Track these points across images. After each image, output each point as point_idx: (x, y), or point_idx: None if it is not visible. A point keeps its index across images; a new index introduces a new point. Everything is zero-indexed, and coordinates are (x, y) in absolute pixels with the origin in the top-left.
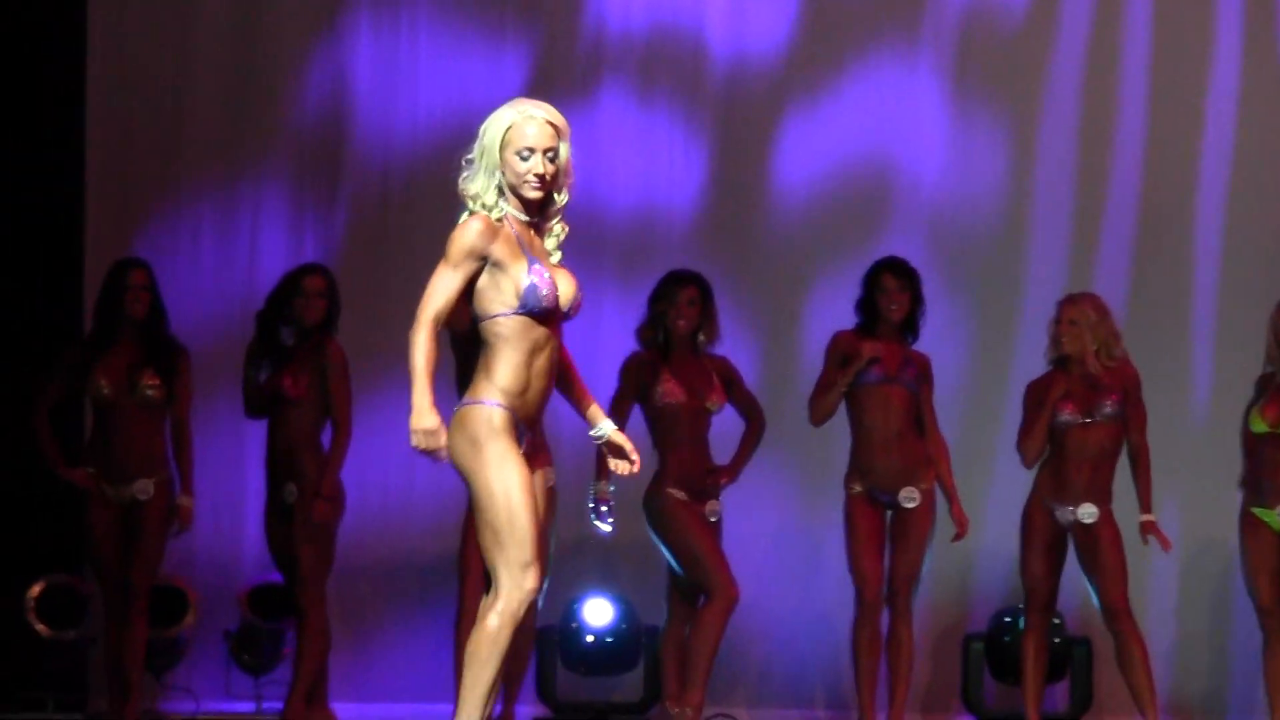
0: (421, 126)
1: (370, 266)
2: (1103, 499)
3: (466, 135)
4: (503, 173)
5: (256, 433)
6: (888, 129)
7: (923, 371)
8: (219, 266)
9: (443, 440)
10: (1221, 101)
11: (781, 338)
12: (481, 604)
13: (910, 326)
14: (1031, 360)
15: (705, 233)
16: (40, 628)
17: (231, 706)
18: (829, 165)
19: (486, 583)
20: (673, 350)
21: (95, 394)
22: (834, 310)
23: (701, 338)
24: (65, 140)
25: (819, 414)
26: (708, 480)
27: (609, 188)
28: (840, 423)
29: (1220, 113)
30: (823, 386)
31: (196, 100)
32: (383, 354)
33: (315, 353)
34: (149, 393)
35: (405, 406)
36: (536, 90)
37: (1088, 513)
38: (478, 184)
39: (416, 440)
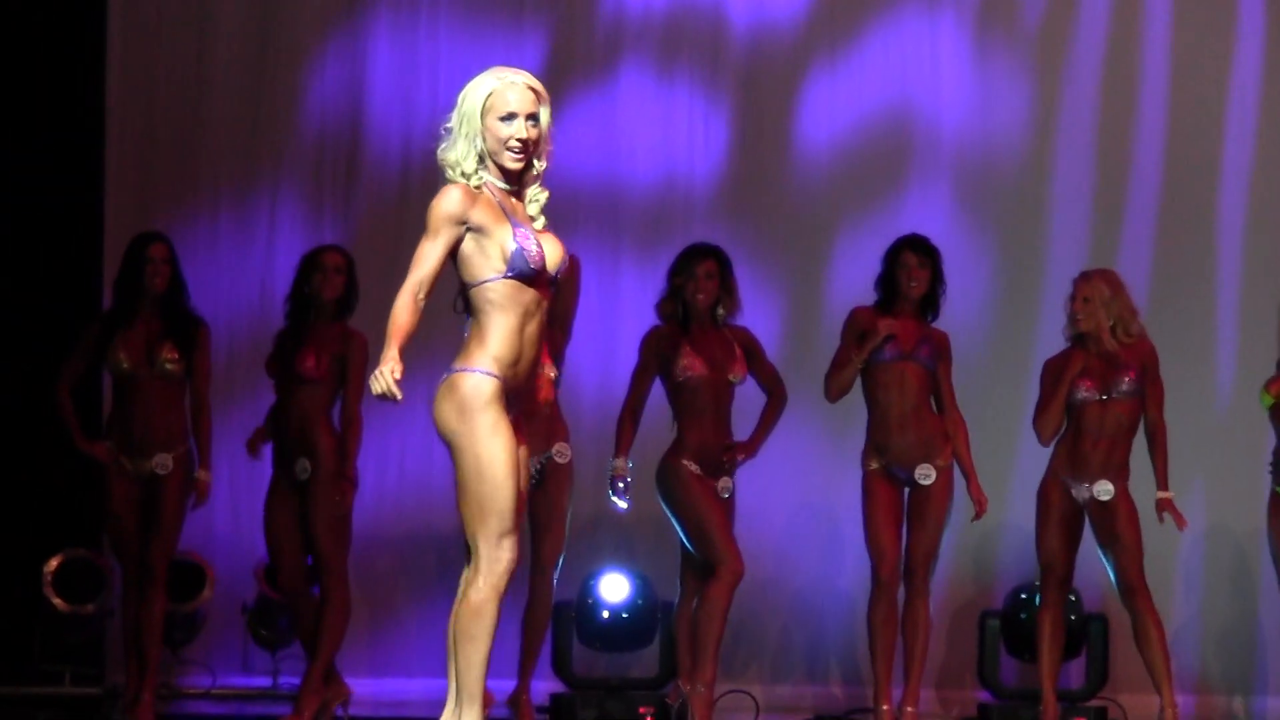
0: (440, 116)
1: (388, 257)
2: (1119, 476)
3: None
4: (483, 139)
5: None
6: (910, 84)
7: (940, 349)
8: (237, 250)
9: (397, 376)
10: (1247, 64)
11: (805, 302)
12: (462, 577)
13: (930, 304)
14: (1053, 334)
15: (727, 200)
16: (58, 602)
17: (248, 681)
18: (852, 123)
19: (467, 554)
20: (692, 324)
21: (115, 368)
22: (857, 272)
23: (720, 311)
24: (86, 123)
25: (834, 390)
26: (724, 456)
27: (631, 161)
28: (860, 397)
29: (1245, 75)
30: (838, 363)
31: (216, 89)
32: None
33: (340, 339)
34: (168, 366)
35: (423, 392)
36: (556, 72)
37: (1104, 490)
38: (456, 151)
39: (373, 383)
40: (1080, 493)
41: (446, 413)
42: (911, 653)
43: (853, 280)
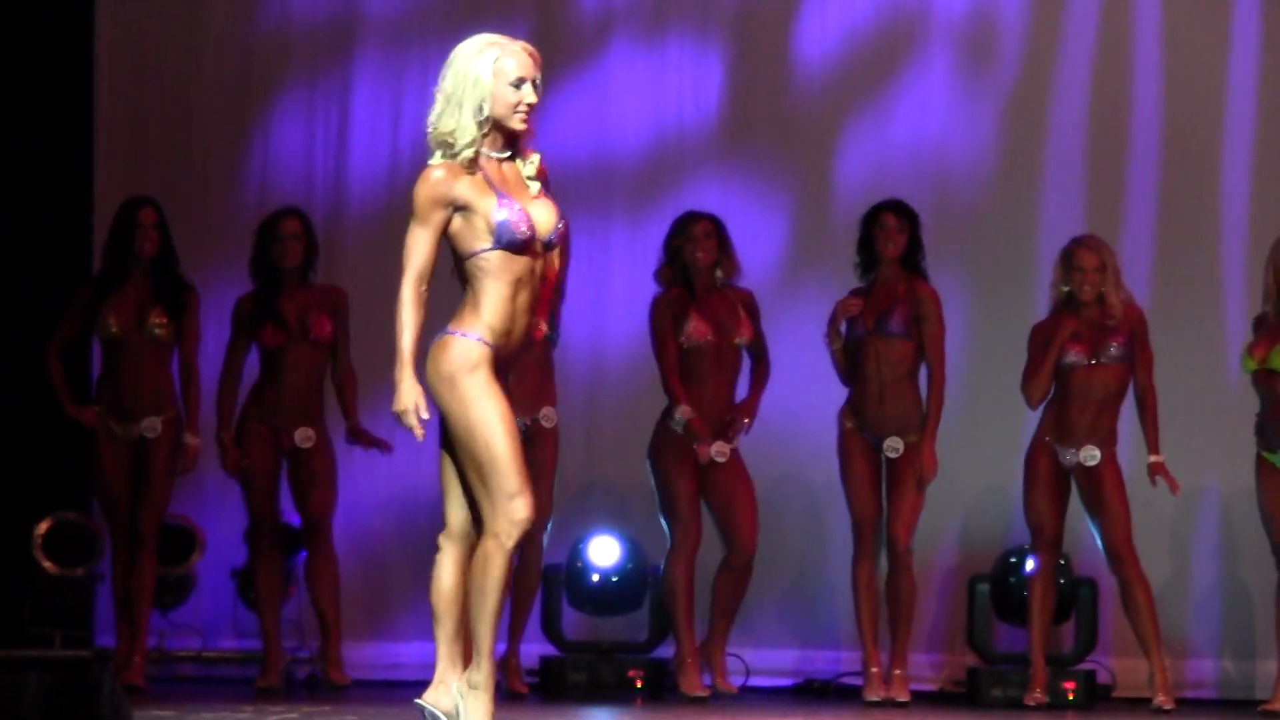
0: (431, 75)
1: (380, 219)
2: (1106, 442)
3: None
4: (491, 104)
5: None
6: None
7: (920, 312)
8: (228, 206)
9: (424, 416)
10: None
11: (808, 208)
12: (439, 546)
13: (910, 265)
14: (1041, 299)
15: (723, 139)
16: (48, 564)
17: (238, 644)
18: (846, 32)
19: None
20: (697, 288)
21: (104, 332)
22: (862, 176)
23: (719, 273)
24: (75, 87)
25: (839, 373)
26: (730, 426)
27: (620, 121)
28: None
29: (1244, 47)
30: (832, 352)
31: (206, 50)
32: (392, 299)
33: (326, 297)
34: (157, 331)
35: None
36: (543, 33)
37: (1090, 455)
38: (456, 119)
39: (403, 416)
40: (1067, 458)
41: (435, 379)
42: (896, 619)
43: (857, 185)
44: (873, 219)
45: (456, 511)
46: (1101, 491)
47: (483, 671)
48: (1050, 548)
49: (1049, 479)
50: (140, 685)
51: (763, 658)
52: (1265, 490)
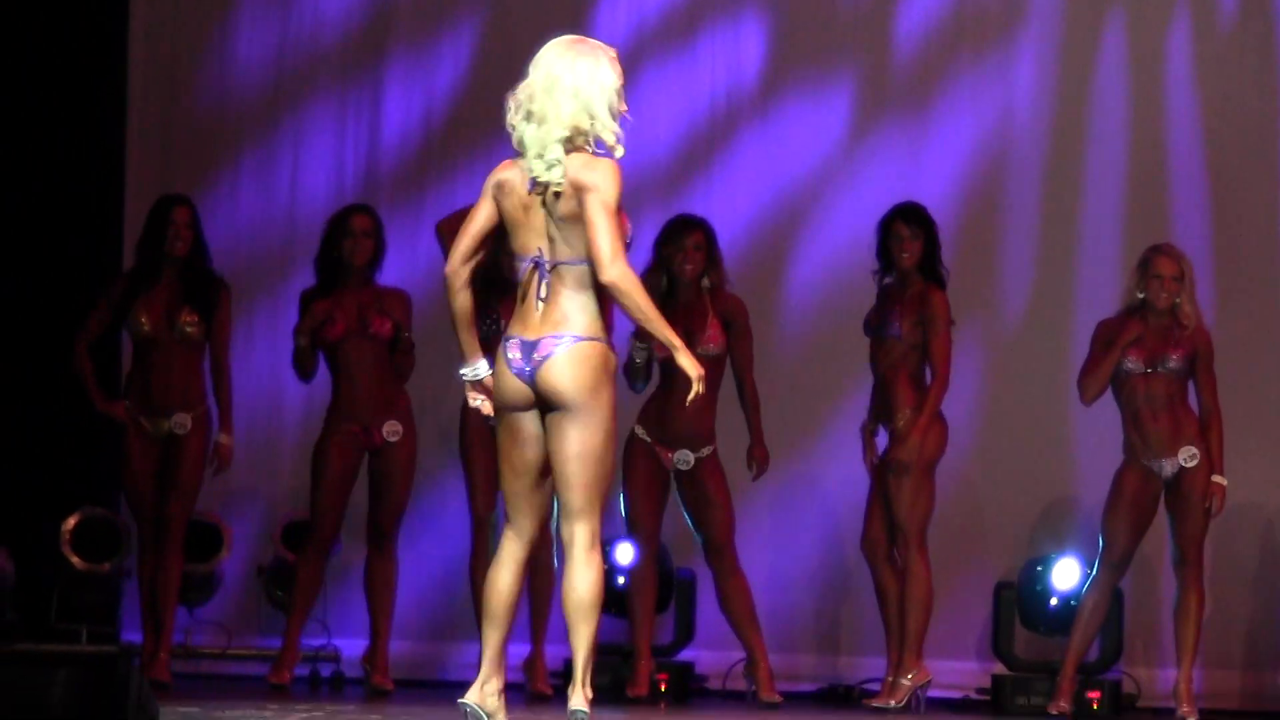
0: (465, 70)
1: (411, 215)
2: (1196, 443)
3: (510, 74)
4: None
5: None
6: None
7: (925, 316)
8: (259, 204)
9: (488, 411)
10: None
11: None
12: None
13: (927, 272)
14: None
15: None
16: (75, 560)
17: (263, 642)
18: None
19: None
20: (677, 296)
21: (135, 329)
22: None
23: (706, 282)
24: (107, 75)
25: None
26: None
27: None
28: (857, 367)
29: None
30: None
31: (239, 48)
32: (424, 299)
33: (389, 296)
34: (188, 330)
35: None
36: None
37: (1189, 455)
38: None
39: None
40: (1163, 468)
41: (594, 380)
42: (905, 628)
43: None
44: (886, 227)
45: (526, 515)
46: (1193, 493)
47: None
48: (1114, 565)
49: (1131, 498)
50: (166, 681)
51: (786, 662)
52: None
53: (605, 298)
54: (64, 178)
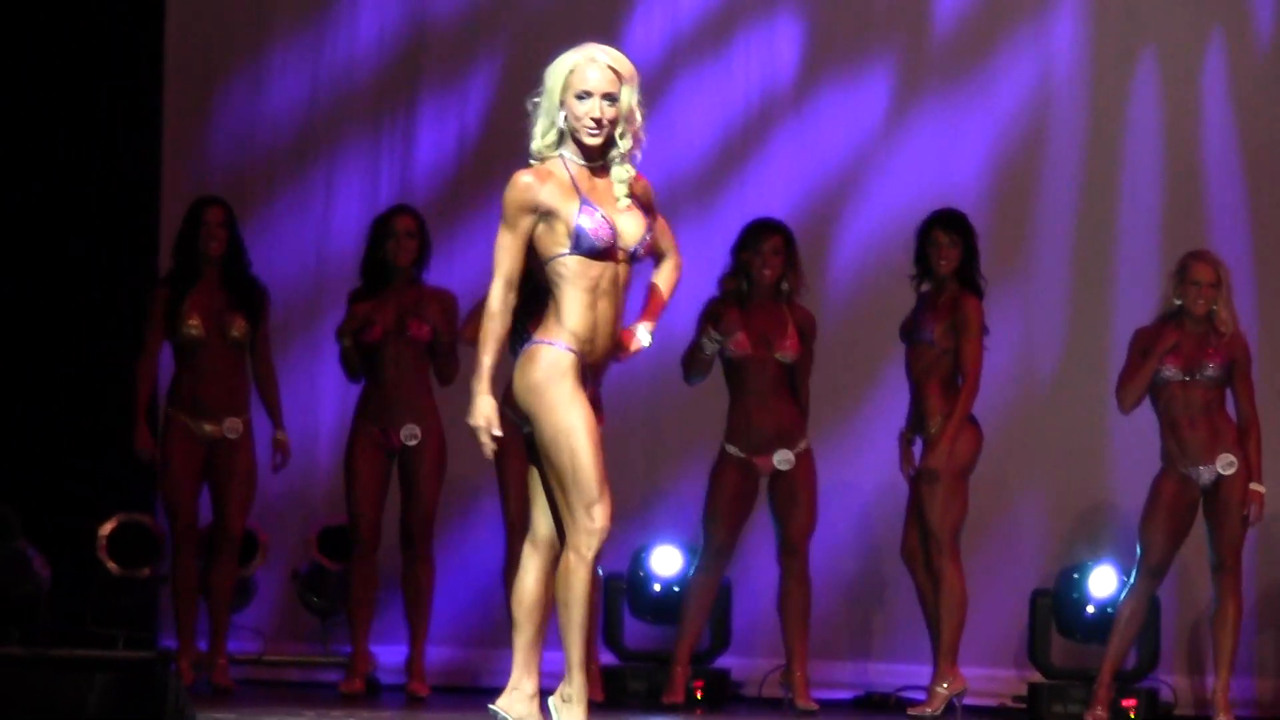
0: (500, 74)
1: (447, 218)
2: (1234, 450)
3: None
4: (564, 115)
5: (330, 374)
6: None
7: (960, 323)
8: (293, 214)
9: (496, 433)
10: None
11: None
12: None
13: (965, 280)
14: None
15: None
16: (112, 565)
17: (298, 648)
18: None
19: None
20: (753, 300)
21: (183, 334)
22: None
23: (784, 286)
24: (143, 86)
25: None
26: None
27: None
28: (894, 373)
29: None
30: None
31: (274, 50)
32: (459, 295)
33: (433, 298)
34: (235, 334)
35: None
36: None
37: (1227, 463)
38: (539, 126)
39: (480, 435)
40: (1201, 475)
41: (523, 388)
42: (939, 635)
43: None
44: (924, 234)
45: (543, 520)
46: (1231, 499)
47: (575, 684)
48: (1152, 572)
49: (1169, 505)
50: (228, 686)
51: (821, 669)
52: None
53: (561, 295)
54: (100, 184)
